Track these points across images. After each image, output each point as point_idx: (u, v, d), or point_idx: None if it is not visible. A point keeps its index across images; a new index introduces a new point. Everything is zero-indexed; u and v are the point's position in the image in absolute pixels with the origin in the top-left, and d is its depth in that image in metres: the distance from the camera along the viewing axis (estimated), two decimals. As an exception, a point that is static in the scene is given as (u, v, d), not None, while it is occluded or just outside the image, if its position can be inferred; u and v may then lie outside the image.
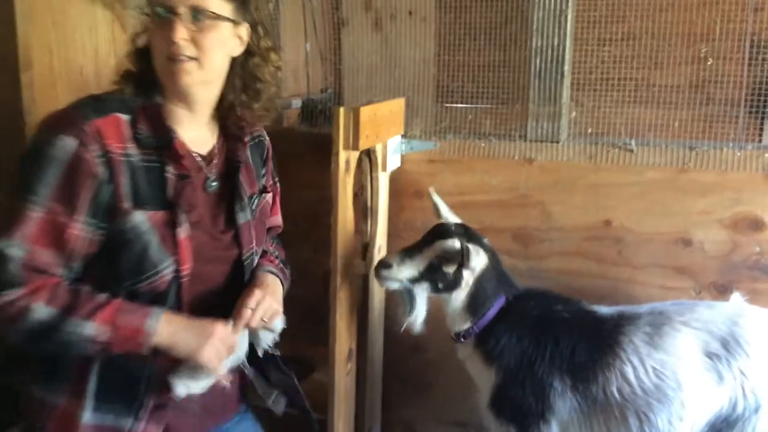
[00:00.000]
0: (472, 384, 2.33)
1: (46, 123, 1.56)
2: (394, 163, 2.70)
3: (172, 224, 1.61)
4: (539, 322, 2.21)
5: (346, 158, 2.22)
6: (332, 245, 2.29)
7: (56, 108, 1.58)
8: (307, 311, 2.56)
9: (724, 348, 2.07)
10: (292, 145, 2.93)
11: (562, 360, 2.14)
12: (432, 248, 2.20)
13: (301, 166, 2.89)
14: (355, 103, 2.77)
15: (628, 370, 2.09)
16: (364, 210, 2.63)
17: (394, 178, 2.78)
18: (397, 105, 2.67)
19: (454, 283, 2.21)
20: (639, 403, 2.08)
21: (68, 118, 1.53)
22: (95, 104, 1.57)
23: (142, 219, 1.57)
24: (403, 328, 2.26)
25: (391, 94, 2.88)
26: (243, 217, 1.79)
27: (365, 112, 2.21)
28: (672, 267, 2.53)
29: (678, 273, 2.53)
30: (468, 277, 2.21)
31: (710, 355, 2.08)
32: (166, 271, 1.61)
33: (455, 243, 2.15)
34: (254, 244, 1.84)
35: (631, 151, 2.52)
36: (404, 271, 2.21)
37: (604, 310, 2.25)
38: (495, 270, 2.26)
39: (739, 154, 2.40)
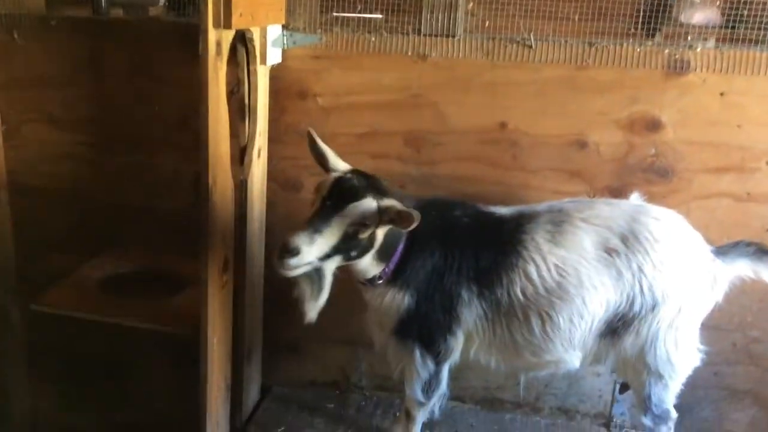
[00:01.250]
0: (360, 302, 2.19)
1: None
2: (274, 57, 2.42)
3: None
4: (443, 233, 2.08)
5: (216, 39, 1.92)
6: (201, 145, 2.01)
7: None
8: (177, 223, 2.29)
9: (624, 244, 2.01)
10: (157, 38, 2.58)
11: (468, 268, 2.05)
12: (344, 215, 1.87)
13: (167, 61, 2.56)
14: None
15: (531, 269, 2.01)
16: (240, 108, 2.35)
17: (275, 77, 2.50)
18: (277, -11, 2.36)
19: (369, 246, 1.96)
20: (541, 302, 2.02)
21: None
22: None
23: None
24: (310, 316, 2.01)
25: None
26: None
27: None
28: (566, 171, 2.44)
29: (572, 177, 2.44)
30: (381, 234, 1.97)
31: (609, 251, 2.01)
32: None
33: (371, 204, 1.87)
34: None
35: (530, 46, 2.35)
36: (315, 251, 1.85)
37: (502, 210, 2.15)
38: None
39: (639, 50, 2.29)
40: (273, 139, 2.56)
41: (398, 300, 2.08)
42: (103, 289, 2.50)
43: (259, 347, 2.70)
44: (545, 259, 2.02)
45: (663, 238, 2.02)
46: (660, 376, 2.09)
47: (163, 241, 2.64)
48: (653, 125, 2.34)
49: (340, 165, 2.02)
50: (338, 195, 1.89)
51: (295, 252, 1.82)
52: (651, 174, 2.38)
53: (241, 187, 2.36)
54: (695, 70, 2.27)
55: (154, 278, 2.58)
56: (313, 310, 2.00)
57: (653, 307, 2.02)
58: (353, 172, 1.99)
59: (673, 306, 2.03)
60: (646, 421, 2.16)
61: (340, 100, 2.54)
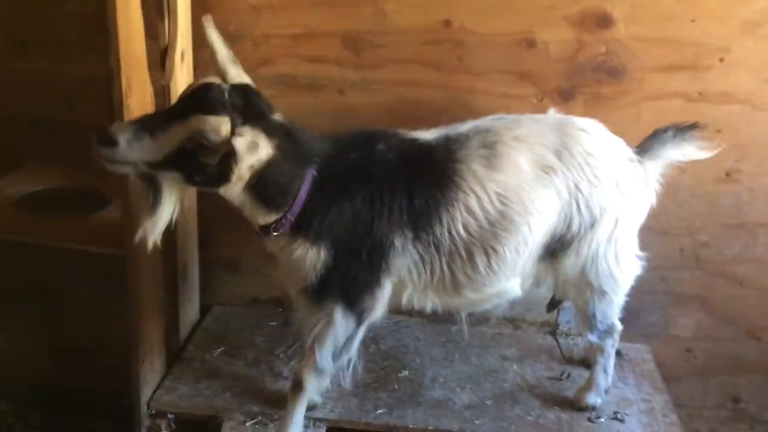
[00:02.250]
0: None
1: None
2: (193, -55, 2.19)
3: None
4: (366, 174, 1.84)
5: None
6: (111, 44, 1.80)
7: None
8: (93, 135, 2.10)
9: (559, 160, 1.88)
10: None
11: (401, 211, 1.82)
12: (184, 125, 1.62)
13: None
14: None
15: (472, 202, 1.84)
16: (159, 5, 2.13)
17: (197, -29, 2.28)
18: None
19: (219, 177, 1.68)
20: (486, 236, 1.87)
21: None
22: None
23: None
24: (140, 233, 1.75)
25: None
26: None
27: None
28: (514, 72, 2.32)
29: (520, 79, 2.32)
30: (242, 171, 1.69)
31: (546, 169, 1.88)
32: None
33: (221, 124, 1.60)
34: None
35: (475, -66, 2.18)
36: (137, 152, 1.63)
37: (426, 135, 1.93)
38: (290, 151, 1.76)
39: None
40: (198, 42, 2.34)
41: (312, 256, 1.83)
42: (20, 207, 2.31)
43: (195, 265, 2.57)
44: (485, 188, 1.84)
45: (594, 151, 1.91)
46: (603, 293, 2.03)
47: (82, 155, 2.45)
48: (604, 21, 2.21)
49: (231, 72, 1.75)
50: (190, 101, 1.66)
51: (110, 142, 1.61)
52: (601, 74, 2.27)
53: (164, 94, 2.16)
54: (649, -41, 2.13)
55: (75, 196, 2.40)
56: (149, 227, 1.75)
57: (592, 225, 1.93)
58: (237, 86, 1.72)
59: (610, 220, 1.94)
60: (592, 338, 2.12)
61: (270, -4, 2.34)
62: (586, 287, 2.02)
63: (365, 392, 2.23)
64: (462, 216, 1.85)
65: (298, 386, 1.99)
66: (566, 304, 2.52)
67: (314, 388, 2.01)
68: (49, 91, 2.48)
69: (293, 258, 1.86)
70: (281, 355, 2.43)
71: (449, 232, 1.86)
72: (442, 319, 2.60)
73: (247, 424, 2.12)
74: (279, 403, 2.12)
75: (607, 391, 2.22)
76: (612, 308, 2.08)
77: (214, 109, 1.62)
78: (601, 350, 2.16)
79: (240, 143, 1.61)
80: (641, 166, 1.98)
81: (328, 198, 1.81)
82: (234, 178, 1.69)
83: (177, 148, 1.62)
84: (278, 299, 2.72)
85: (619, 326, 2.14)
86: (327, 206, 1.81)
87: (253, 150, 1.66)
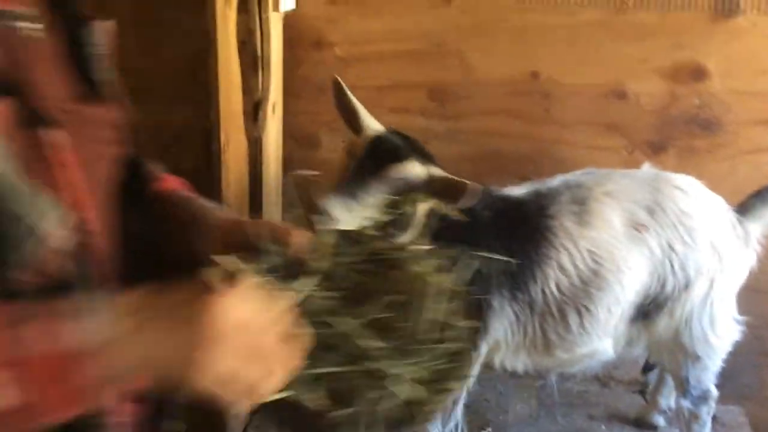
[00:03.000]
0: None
1: None
2: (287, 3, 2.26)
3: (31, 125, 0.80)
4: (464, 232, 1.71)
5: None
6: (212, 100, 1.86)
7: None
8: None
9: (652, 218, 1.85)
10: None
11: (498, 270, 1.77)
12: (384, 179, 1.59)
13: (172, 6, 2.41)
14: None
15: (564, 259, 1.82)
16: (253, 60, 2.20)
17: (289, 25, 2.36)
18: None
19: (406, 224, 1.61)
20: (579, 295, 1.84)
21: None
22: None
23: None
24: None
25: None
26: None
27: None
28: (603, 124, 2.30)
29: (609, 130, 2.30)
30: (422, 211, 1.65)
31: (638, 227, 1.84)
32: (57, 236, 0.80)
33: (417, 168, 1.59)
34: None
35: (564, -12, 2.19)
36: (350, 221, 1.53)
37: (517, 191, 1.92)
38: None
39: (684, -10, 2.12)
40: (288, 92, 2.43)
41: None
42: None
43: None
44: (577, 245, 1.82)
45: (689, 210, 1.86)
46: (698, 358, 1.95)
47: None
48: (698, 74, 2.19)
49: (372, 123, 1.73)
50: (377, 156, 1.61)
51: (324, 215, 1.53)
52: (694, 127, 2.23)
53: (256, 145, 2.22)
54: (745, 12, 2.11)
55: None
56: None
57: (686, 286, 1.87)
58: (391, 131, 1.71)
59: (705, 281, 1.88)
60: (685, 403, 2.02)
61: (358, 49, 2.40)
62: (680, 351, 1.95)
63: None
64: (555, 274, 1.83)
65: None
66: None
67: None
68: (144, 141, 2.57)
69: None
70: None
71: (543, 291, 1.83)
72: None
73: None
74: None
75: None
76: (707, 374, 2.00)
77: (403, 157, 1.61)
78: (696, 417, 2.06)
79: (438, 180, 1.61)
80: (741, 227, 1.91)
81: None
82: (415, 221, 1.63)
83: (380, 206, 1.58)
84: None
85: (714, 392, 2.05)
86: None
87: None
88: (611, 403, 2.45)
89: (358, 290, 0.99)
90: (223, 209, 1.16)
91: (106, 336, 0.69)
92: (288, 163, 2.47)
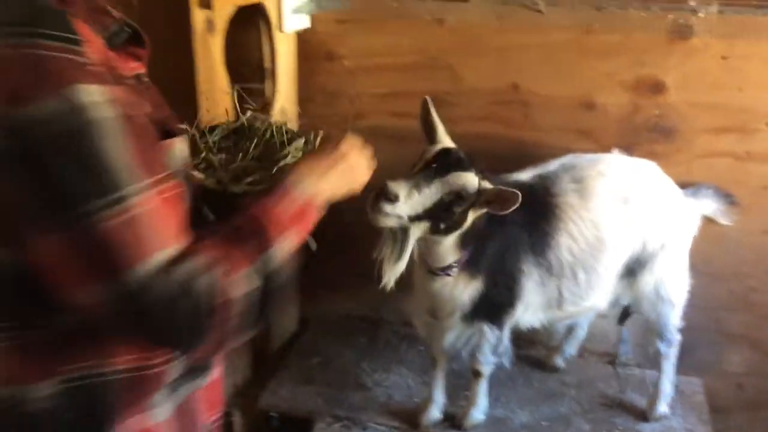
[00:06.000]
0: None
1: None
2: (299, 23, 2.59)
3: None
4: (496, 216, 2.03)
5: (205, 17, 2.09)
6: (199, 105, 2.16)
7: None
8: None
9: (632, 192, 2.20)
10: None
11: (523, 242, 2.14)
12: (446, 181, 1.85)
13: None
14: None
15: (573, 228, 2.16)
16: (262, 71, 2.55)
17: (305, 40, 2.69)
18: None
19: (457, 224, 1.93)
20: (585, 257, 2.18)
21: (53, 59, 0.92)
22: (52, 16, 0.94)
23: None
24: (387, 279, 1.93)
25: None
26: None
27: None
28: (576, 130, 2.57)
29: (581, 135, 2.57)
30: (472, 216, 1.95)
31: (625, 199, 2.19)
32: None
33: (474, 179, 1.85)
34: None
35: (540, 11, 2.46)
36: (410, 206, 1.81)
37: (523, 176, 2.23)
38: None
39: (644, 15, 2.36)
40: (305, 98, 2.76)
41: (469, 289, 2.13)
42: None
43: (293, 281, 2.95)
44: (581, 216, 2.16)
45: (657, 185, 2.25)
46: (672, 304, 2.36)
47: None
48: (657, 87, 2.44)
49: (445, 139, 2.00)
50: (444, 161, 1.88)
51: (394, 198, 1.78)
52: (655, 134, 2.49)
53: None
54: (698, 35, 2.34)
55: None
56: (390, 274, 1.93)
57: (662, 246, 2.25)
58: (458, 149, 1.97)
59: (674, 243, 2.27)
60: (662, 346, 2.43)
61: (364, 61, 2.71)
62: (659, 300, 2.34)
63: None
64: (566, 241, 2.17)
65: (477, 374, 2.38)
66: (624, 335, 2.79)
67: (488, 372, 2.37)
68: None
69: (452, 293, 2.13)
70: (366, 368, 2.82)
71: (557, 256, 2.17)
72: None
73: (335, 426, 2.53)
74: (361, 410, 2.52)
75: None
76: (677, 316, 2.39)
77: (466, 167, 1.88)
78: (668, 358, 2.46)
79: (495, 192, 1.88)
80: (689, 202, 2.31)
81: (480, 238, 2.07)
82: (466, 223, 1.96)
83: (438, 201, 1.84)
84: (367, 317, 3.11)
85: (678, 336, 2.43)
86: (481, 245, 2.08)
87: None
88: (583, 371, 2.78)
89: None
90: None
91: (312, 191, 1.21)
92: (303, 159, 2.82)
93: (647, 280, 2.30)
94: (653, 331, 2.45)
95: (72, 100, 0.86)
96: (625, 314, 2.57)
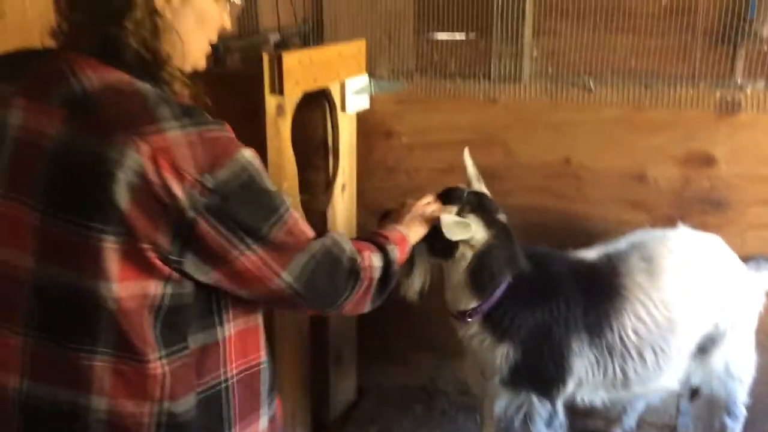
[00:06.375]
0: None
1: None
2: (360, 104, 2.76)
3: None
4: (545, 288, 2.16)
5: (277, 103, 2.26)
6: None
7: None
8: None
9: (704, 271, 2.23)
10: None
11: (576, 319, 2.14)
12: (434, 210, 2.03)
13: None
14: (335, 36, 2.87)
15: (640, 309, 2.16)
16: (325, 149, 2.71)
17: (365, 119, 2.85)
18: (353, 48, 2.67)
19: (448, 251, 2.07)
20: (655, 338, 2.17)
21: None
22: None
23: None
24: (408, 295, 2.11)
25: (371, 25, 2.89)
26: None
27: (290, 59, 2.23)
28: (627, 202, 2.64)
29: (633, 207, 2.63)
30: (464, 250, 2.07)
31: (697, 278, 2.21)
32: None
33: (452, 210, 2.02)
34: None
35: (590, 90, 2.58)
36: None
37: (589, 255, 2.28)
38: (501, 248, 2.08)
39: (692, 92, 2.46)
40: (364, 173, 2.90)
41: (502, 352, 2.15)
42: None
43: (352, 350, 3.03)
44: (651, 297, 2.15)
45: (725, 261, 2.28)
46: (741, 381, 2.37)
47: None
48: (707, 161, 2.51)
49: (476, 185, 2.21)
50: (443, 195, 2.09)
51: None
52: (707, 205, 2.55)
53: (324, 218, 2.68)
54: (746, 110, 2.42)
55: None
56: (408, 289, 2.11)
57: (732, 324, 2.26)
58: (475, 192, 2.15)
59: (744, 317, 2.29)
60: (729, 421, 2.44)
61: (421, 138, 2.86)
62: (728, 377, 2.36)
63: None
64: (631, 322, 2.15)
65: None
66: (684, 407, 2.77)
67: None
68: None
69: (482, 347, 2.18)
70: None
71: (620, 337, 2.16)
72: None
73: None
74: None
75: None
76: (745, 394, 2.40)
77: (452, 201, 2.06)
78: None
79: (446, 217, 1.93)
80: (754, 276, 2.33)
81: (517, 303, 2.12)
82: (458, 254, 2.07)
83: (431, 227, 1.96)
84: (423, 386, 3.15)
85: (745, 412, 2.43)
86: (514, 312, 2.12)
87: (464, 228, 1.96)
88: (642, 444, 2.77)
89: None
90: None
91: (406, 232, 1.75)
92: (362, 229, 2.94)
93: (718, 359, 2.31)
94: (720, 406, 2.45)
95: (241, 161, 1.19)
96: (694, 392, 2.56)
